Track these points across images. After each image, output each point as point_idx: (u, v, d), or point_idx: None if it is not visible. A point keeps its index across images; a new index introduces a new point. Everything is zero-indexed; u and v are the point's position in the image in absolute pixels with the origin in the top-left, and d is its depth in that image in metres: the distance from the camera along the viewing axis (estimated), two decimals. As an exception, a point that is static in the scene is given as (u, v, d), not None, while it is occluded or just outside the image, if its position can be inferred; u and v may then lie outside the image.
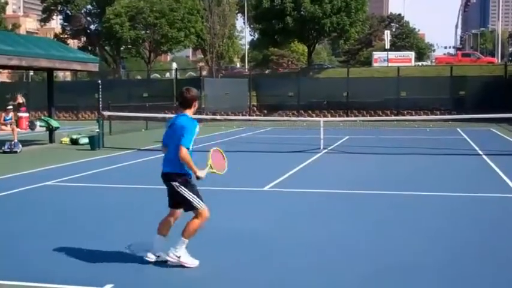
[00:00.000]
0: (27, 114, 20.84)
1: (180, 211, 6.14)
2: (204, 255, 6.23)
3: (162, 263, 6.15)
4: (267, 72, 51.61)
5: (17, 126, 19.07)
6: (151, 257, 6.11)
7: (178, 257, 5.95)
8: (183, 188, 5.90)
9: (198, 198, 5.94)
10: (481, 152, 16.84)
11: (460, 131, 24.97)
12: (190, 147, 5.85)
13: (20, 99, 18.79)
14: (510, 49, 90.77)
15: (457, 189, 10.96)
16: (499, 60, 59.13)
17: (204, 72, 48.74)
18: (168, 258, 5.98)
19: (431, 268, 6.03)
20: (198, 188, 6.04)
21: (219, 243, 6.98)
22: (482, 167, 13.95)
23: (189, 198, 5.90)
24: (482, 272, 5.93)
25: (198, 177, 5.92)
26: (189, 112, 6.06)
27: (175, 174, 5.91)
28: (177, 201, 6.02)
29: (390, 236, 7.43)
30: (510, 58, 64.12)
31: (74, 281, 5.64)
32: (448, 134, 23.54)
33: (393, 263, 6.22)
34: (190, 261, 5.99)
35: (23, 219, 8.61)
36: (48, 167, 14.38)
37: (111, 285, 5.51)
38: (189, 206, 5.97)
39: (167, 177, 6.00)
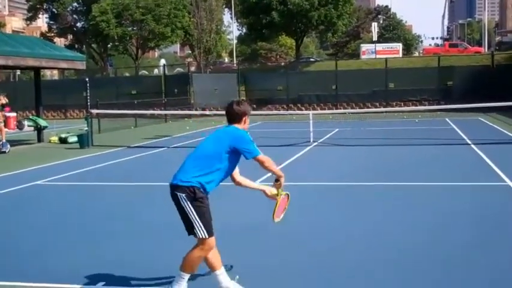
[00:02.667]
0: (14, 114, 20.70)
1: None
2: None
3: (154, 261, 6.15)
4: (255, 66, 51.51)
5: (5, 126, 18.94)
6: None
7: None
8: (189, 202, 4.83)
9: (203, 225, 4.80)
10: (469, 142, 16.93)
11: (448, 121, 25.09)
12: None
13: (3, 99, 18.64)
14: (497, 38, 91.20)
15: (446, 179, 11.01)
16: (486, 50, 59.36)
17: (193, 68, 48.66)
18: None
19: (423, 255, 6.07)
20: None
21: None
22: (471, 157, 14.02)
23: (192, 220, 4.83)
24: (476, 259, 5.97)
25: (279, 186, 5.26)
26: (239, 126, 5.10)
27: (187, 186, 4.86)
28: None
29: (382, 226, 7.46)
30: (497, 47, 64.45)
31: (65, 279, 5.63)
32: (437, 125, 23.65)
33: (386, 254, 6.25)
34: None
35: (13, 220, 8.58)
36: (37, 167, 14.31)
37: (103, 283, 5.51)
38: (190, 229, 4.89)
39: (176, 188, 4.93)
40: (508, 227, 7.37)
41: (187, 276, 4.93)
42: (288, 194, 5.51)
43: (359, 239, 6.92)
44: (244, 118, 5.09)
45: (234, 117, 5.06)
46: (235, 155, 4.99)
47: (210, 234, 4.82)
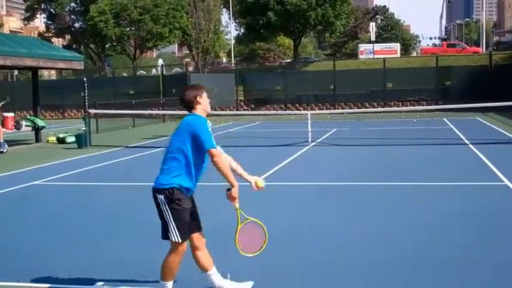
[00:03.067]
0: (12, 114, 20.68)
1: (196, 235, 4.97)
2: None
3: (152, 260, 6.14)
4: (253, 67, 51.51)
5: (3, 126, 18.94)
6: None
7: None
8: (166, 205, 4.76)
9: (177, 228, 4.74)
10: (467, 142, 16.94)
11: (446, 121, 25.11)
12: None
13: None
14: (494, 39, 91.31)
15: (445, 178, 11.02)
16: (484, 50, 59.44)
17: (190, 68, 48.59)
18: None
19: (422, 255, 6.07)
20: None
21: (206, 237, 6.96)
22: (469, 157, 14.03)
23: (167, 222, 4.78)
24: (475, 259, 5.97)
25: (231, 195, 4.85)
26: (198, 112, 4.92)
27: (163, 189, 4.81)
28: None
29: (381, 226, 7.45)
30: (495, 48, 64.51)
31: (63, 280, 5.62)
32: (435, 125, 23.66)
33: (385, 254, 6.24)
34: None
35: (12, 220, 8.56)
36: (35, 167, 14.29)
37: (101, 283, 5.50)
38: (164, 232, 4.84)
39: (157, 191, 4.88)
40: (506, 226, 7.36)
41: (170, 283, 4.91)
42: (256, 223, 5.09)
43: (358, 239, 6.92)
44: (197, 101, 4.87)
45: (187, 104, 4.90)
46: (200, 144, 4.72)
47: (184, 238, 4.75)
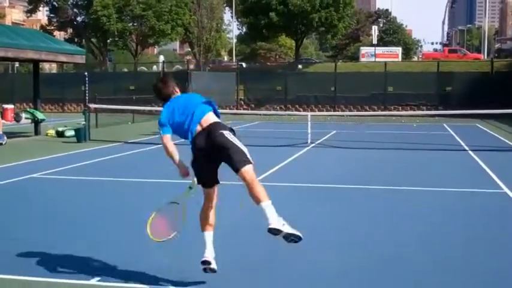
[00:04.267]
0: (12, 106, 20.64)
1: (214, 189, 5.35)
2: (192, 249, 6.21)
3: (150, 256, 6.13)
4: (254, 66, 51.49)
5: (2, 118, 18.90)
6: (211, 262, 5.21)
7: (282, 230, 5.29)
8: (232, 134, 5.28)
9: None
10: (467, 148, 16.94)
11: (446, 126, 25.11)
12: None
13: None
14: (496, 46, 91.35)
15: (443, 184, 11.00)
16: (485, 57, 59.48)
17: (191, 66, 48.59)
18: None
19: (417, 260, 6.06)
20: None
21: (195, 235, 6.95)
22: (468, 163, 14.03)
23: (240, 146, 5.44)
24: (471, 265, 5.96)
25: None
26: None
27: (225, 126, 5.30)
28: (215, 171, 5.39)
29: (377, 229, 7.44)
30: (496, 55, 64.57)
31: (60, 274, 5.60)
32: (435, 130, 23.66)
33: (381, 256, 6.23)
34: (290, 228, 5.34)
35: (8, 213, 8.54)
36: (34, 160, 14.26)
37: (98, 278, 5.48)
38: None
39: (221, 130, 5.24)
40: (505, 234, 7.35)
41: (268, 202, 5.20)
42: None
43: (355, 242, 6.90)
44: (176, 90, 5.49)
45: (167, 97, 5.46)
46: None
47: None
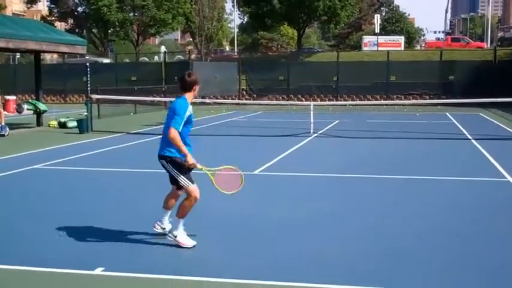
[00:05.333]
0: (14, 97, 20.60)
1: (180, 190, 6.27)
2: (195, 237, 6.22)
3: (154, 246, 6.13)
4: (256, 56, 51.34)
5: (4, 109, 18.85)
6: (157, 228, 6.44)
7: (175, 237, 6.13)
8: (170, 165, 6.09)
9: (186, 178, 6.05)
10: (470, 137, 16.89)
11: (449, 115, 25.03)
12: (180, 129, 5.90)
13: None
14: (499, 34, 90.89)
15: (446, 173, 10.98)
16: (488, 45, 59.21)
17: (193, 56, 48.46)
18: (168, 238, 6.20)
19: (422, 250, 6.05)
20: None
21: (209, 225, 6.95)
22: (471, 152, 13.99)
23: (175, 176, 6.09)
24: (473, 254, 5.94)
25: (188, 162, 5.95)
26: (188, 96, 6.11)
27: (164, 156, 6.15)
28: (171, 177, 6.25)
29: (381, 218, 7.43)
30: (499, 43, 64.24)
31: (64, 264, 5.60)
32: (437, 119, 23.59)
33: (386, 246, 6.22)
34: (186, 241, 6.10)
35: (12, 203, 8.54)
36: (36, 151, 14.25)
37: (102, 268, 5.48)
38: (178, 184, 6.18)
39: (159, 157, 6.24)
40: (507, 222, 7.33)
41: (181, 220, 6.16)
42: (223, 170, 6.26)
43: (357, 230, 6.89)
44: (194, 87, 6.14)
45: (186, 86, 6.11)
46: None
47: (193, 185, 6.12)
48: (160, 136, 6.33)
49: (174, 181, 6.22)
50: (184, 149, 5.93)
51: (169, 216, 6.43)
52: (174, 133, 5.88)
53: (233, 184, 6.22)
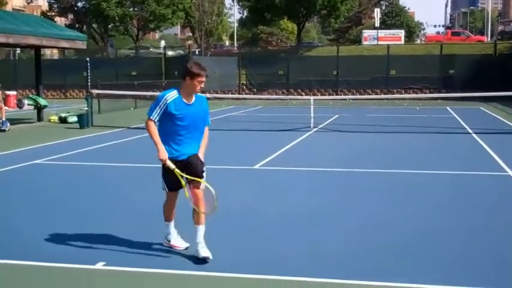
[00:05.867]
0: (15, 93, 20.60)
1: (175, 193, 5.81)
2: (191, 233, 6.23)
3: (154, 240, 6.14)
4: (256, 50, 51.26)
5: (5, 104, 18.86)
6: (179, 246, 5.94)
7: (169, 241, 5.92)
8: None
9: (165, 180, 5.68)
10: (470, 131, 16.90)
11: (449, 109, 25.03)
12: (154, 117, 5.46)
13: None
14: (499, 28, 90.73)
15: (447, 167, 10.99)
16: (489, 39, 59.11)
17: (193, 50, 48.34)
18: (164, 244, 5.95)
19: (424, 244, 6.06)
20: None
21: (209, 219, 6.96)
22: (472, 145, 14.00)
23: (161, 177, 5.77)
24: (475, 248, 5.96)
25: (160, 159, 5.52)
26: (181, 86, 5.55)
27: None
28: None
29: (381, 213, 7.44)
30: (499, 37, 64.14)
31: (65, 259, 5.62)
32: (438, 113, 23.58)
33: (388, 240, 6.23)
34: (179, 244, 5.87)
35: (12, 198, 8.55)
36: (36, 146, 14.27)
37: (103, 262, 5.50)
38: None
39: None
40: (507, 216, 7.35)
41: (166, 223, 5.91)
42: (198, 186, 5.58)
43: (357, 225, 6.91)
44: (186, 78, 5.47)
45: (183, 73, 5.54)
46: (164, 115, 5.50)
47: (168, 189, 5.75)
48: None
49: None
50: (156, 141, 5.48)
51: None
52: (147, 122, 5.52)
53: (207, 204, 5.56)
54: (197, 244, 5.57)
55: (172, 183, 5.61)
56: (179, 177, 5.46)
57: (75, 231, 6.63)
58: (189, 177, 5.49)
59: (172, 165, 5.45)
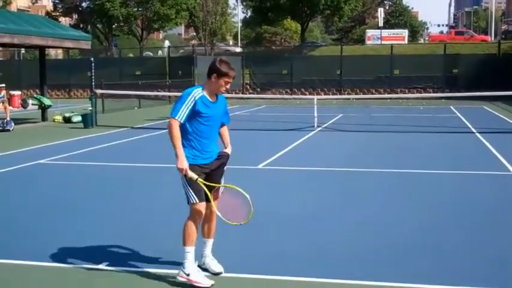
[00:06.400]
0: (19, 93, 20.70)
1: (203, 204, 5.00)
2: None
3: (159, 240, 6.16)
4: (259, 50, 51.25)
5: (10, 104, 18.94)
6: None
7: (187, 275, 4.94)
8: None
9: (192, 190, 4.89)
10: (474, 130, 16.89)
11: (453, 109, 25.00)
12: (181, 119, 4.82)
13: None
14: (503, 27, 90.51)
15: (451, 166, 11.00)
16: (492, 39, 58.99)
17: (197, 50, 48.35)
18: (178, 278, 4.99)
19: (428, 243, 6.08)
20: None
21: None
22: (476, 145, 14.00)
23: (184, 189, 4.97)
24: (478, 248, 5.97)
25: (180, 169, 4.81)
26: (205, 85, 4.98)
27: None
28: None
29: (385, 212, 7.46)
30: (503, 36, 64.01)
31: (69, 259, 5.64)
32: (442, 112, 23.56)
33: (393, 240, 6.25)
34: (201, 281, 4.93)
35: (17, 198, 8.59)
36: (41, 145, 14.32)
37: (107, 263, 5.52)
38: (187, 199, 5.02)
39: None
40: (510, 215, 7.37)
41: (188, 248, 4.96)
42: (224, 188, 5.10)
43: (361, 223, 6.92)
44: (211, 76, 4.91)
45: (208, 71, 4.97)
46: (190, 114, 4.89)
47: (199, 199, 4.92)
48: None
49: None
50: (177, 147, 4.81)
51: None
52: (170, 122, 4.83)
53: (239, 213, 4.97)
54: (206, 257, 5.23)
55: (201, 191, 4.90)
56: (203, 186, 4.89)
57: (78, 231, 6.66)
58: (213, 184, 4.98)
59: (194, 175, 4.83)
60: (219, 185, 5.07)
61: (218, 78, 4.92)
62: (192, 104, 4.83)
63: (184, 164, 4.80)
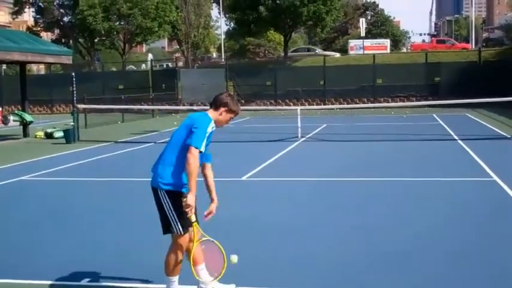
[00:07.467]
0: (0, 109, 20.50)
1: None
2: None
3: (144, 255, 6.09)
4: (243, 61, 51.35)
5: (-10, 120, 18.77)
6: None
7: None
8: (170, 200, 4.68)
9: (183, 219, 4.63)
10: (456, 137, 16.99)
11: (436, 117, 25.17)
12: (203, 149, 4.61)
13: None
14: (484, 35, 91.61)
15: (433, 174, 11.03)
16: (473, 46, 59.61)
17: (180, 63, 48.39)
18: None
19: (415, 252, 6.07)
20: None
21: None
22: (457, 152, 14.07)
23: (170, 216, 4.68)
24: (458, 254, 5.97)
25: (186, 202, 4.54)
26: (210, 113, 4.82)
27: (163, 187, 4.74)
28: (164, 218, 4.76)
29: (368, 222, 7.44)
30: (484, 44, 64.74)
31: (49, 276, 5.55)
32: (424, 120, 23.70)
33: (381, 250, 6.23)
34: None
35: (-3, 215, 8.47)
36: (22, 162, 14.16)
37: (88, 279, 5.44)
38: (168, 228, 4.74)
39: (156, 188, 4.82)
40: (493, 221, 7.37)
41: (171, 278, 4.80)
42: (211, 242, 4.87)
43: (347, 234, 6.90)
44: (221, 109, 4.78)
45: (214, 102, 4.83)
46: None
47: (186, 230, 4.69)
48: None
49: (167, 224, 4.73)
50: (194, 184, 4.52)
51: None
52: (193, 153, 4.50)
53: (217, 265, 4.82)
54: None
55: (189, 227, 4.71)
56: (195, 229, 4.72)
57: (59, 247, 6.57)
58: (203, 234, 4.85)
59: (193, 217, 4.66)
60: (206, 238, 4.90)
61: (226, 113, 4.84)
62: (209, 135, 4.71)
63: (194, 201, 4.56)
